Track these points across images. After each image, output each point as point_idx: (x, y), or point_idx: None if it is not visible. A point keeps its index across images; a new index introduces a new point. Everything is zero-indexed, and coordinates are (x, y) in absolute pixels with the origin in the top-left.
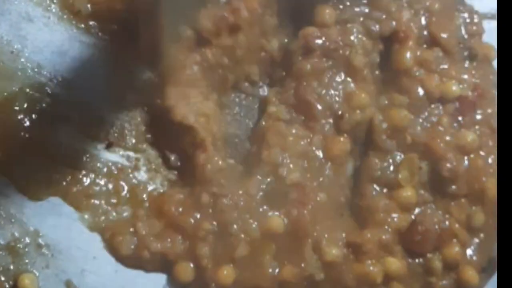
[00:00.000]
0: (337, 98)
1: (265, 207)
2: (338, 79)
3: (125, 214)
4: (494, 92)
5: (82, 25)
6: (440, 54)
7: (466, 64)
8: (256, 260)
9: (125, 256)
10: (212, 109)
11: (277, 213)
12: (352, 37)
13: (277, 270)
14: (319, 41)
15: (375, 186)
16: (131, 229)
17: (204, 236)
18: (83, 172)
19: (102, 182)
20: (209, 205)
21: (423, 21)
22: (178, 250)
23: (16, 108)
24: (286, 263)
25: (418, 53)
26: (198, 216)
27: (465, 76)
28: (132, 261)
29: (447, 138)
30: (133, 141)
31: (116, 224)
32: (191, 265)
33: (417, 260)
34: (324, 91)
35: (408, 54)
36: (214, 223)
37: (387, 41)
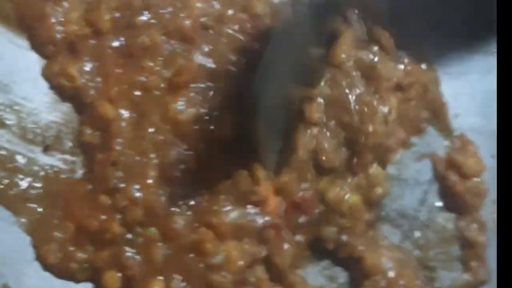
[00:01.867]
0: None
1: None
2: None
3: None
4: None
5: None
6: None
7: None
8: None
9: (52, 265)
10: None
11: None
12: None
13: None
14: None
15: None
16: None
17: (112, 240)
18: (20, 175)
19: (39, 185)
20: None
21: None
22: (104, 257)
23: None
24: None
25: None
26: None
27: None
28: (60, 271)
29: None
30: (70, 144)
31: (44, 231)
32: (119, 274)
33: None
34: None
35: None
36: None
37: None
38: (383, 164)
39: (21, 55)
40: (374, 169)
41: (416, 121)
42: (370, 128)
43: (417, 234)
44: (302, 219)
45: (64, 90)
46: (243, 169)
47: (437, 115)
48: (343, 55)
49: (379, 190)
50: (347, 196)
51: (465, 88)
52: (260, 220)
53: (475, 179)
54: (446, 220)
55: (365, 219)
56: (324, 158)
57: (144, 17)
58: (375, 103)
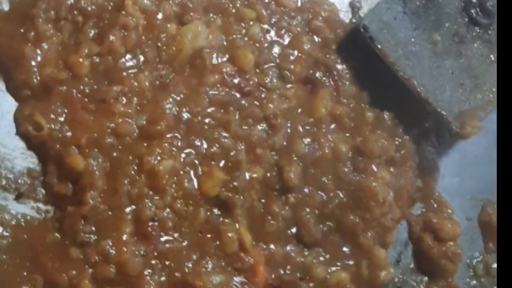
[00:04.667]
0: None
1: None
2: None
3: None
4: None
5: None
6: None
7: None
8: None
9: None
10: None
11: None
12: (267, 80)
13: None
14: (235, 80)
15: None
16: None
17: None
18: None
19: (8, 235)
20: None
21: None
22: None
23: None
24: None
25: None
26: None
27: None
28: None
29: None
30: (43, 192)
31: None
32: None
33: None
34: None
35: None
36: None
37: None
38: (386, 246)
39: None
40: (379, 251)
41: (410, 193)
42: (367, 215)
43: None
44: None
45: (29, 138)
46: (230, 232)
47: (429, 180)
48: (323, 110)
49: (383, 274)
50: (334, 273)
51: (443, 148)
52: None
53: (451, 243)
54: (418, 282)
55: None
56: (304, 232)
57: (128, 62)
58: (373, 184)
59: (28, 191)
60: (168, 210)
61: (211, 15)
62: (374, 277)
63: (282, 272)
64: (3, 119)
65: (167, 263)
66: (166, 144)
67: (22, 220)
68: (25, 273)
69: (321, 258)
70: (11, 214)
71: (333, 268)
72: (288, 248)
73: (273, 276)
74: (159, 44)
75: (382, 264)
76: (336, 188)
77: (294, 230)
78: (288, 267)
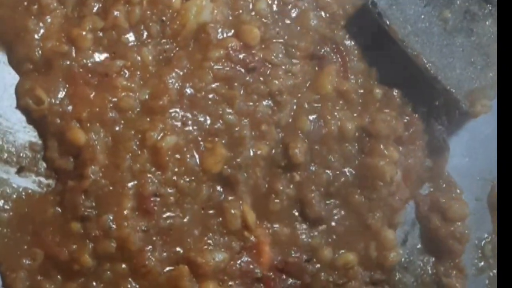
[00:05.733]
0: None
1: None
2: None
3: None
4: None
5: None
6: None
7: None
8: None
9: None
10: None
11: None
12: (273, 56)
13: None
14: (241, 56)
15: None
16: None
17: (80, 272)
18: None
19: (9, 208)
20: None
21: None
22: None
23: None
24: None
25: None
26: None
27: None
28: None
29: None
30: (45, 166)
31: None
32: None
33: None
34: None
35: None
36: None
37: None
38: (393, 226)
39: (1, 70)
40: (387, 232)
41: (419, 173)
42: (374, 195)
43: (397, 276)
44: (290, 282)
45: (29, 112)
46: (233, 208)
47: (439, 160)
48: (329, 86)
49: (392, 255)
50: (341, 254)
51: (452, 127)
52: (250, 270)
53: (458, 223)
54: (425, 263)
55: (369, 278)
56: (308, 210)
57: (132, 37)
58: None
59: (30, 164)
60: (170, 186)
61: None
62: (382, 259)
63: (287, 254)
64: (6, 92)
65: (168, 239)
66: (169, 120)
67: (23, 193)
68: (25, 247)
69: (329, 240)
70: (13, 188)
71: (341, 251)
72: (294, 228)
73: (278, 258)
74: (163, 18)
75: (390, 245)
76: (342, 167)
77: (299, 209)
78: (295, 248)
